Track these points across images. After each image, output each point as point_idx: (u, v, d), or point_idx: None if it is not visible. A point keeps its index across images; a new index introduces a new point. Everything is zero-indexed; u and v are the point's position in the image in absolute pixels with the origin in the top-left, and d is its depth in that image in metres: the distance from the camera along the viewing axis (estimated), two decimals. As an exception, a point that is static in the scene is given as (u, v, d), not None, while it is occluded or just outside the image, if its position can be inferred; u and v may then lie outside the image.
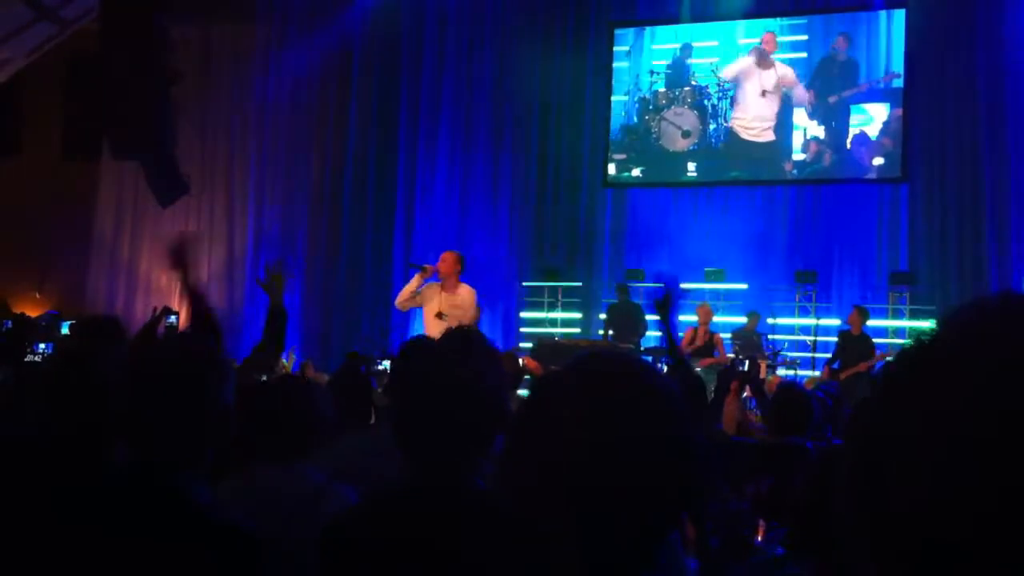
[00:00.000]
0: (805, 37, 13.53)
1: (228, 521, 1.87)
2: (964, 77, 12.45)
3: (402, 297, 8.08)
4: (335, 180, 15.02)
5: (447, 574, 1.75)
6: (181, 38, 13.31)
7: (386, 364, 5.03)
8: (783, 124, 13.41)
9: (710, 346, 11.35)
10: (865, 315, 11.03)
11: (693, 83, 13.96)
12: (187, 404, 1.87)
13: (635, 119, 14.14)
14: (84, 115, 14.28)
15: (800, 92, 13.40)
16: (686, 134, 13.85)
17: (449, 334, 2.90)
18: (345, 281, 14.63)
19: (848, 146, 13.10)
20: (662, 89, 14.10)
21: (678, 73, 14.11)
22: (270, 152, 15.23)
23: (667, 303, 4.10)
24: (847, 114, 13.17)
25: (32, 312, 14.33)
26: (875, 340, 11.34)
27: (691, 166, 13.84)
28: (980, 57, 12.38)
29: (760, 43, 13.56)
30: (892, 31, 13.05)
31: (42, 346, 6.62)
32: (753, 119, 13.54)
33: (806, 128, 13.32)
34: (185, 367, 1.90)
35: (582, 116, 14.23)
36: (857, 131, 13.09)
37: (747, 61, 13.63)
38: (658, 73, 14.14)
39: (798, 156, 13.33)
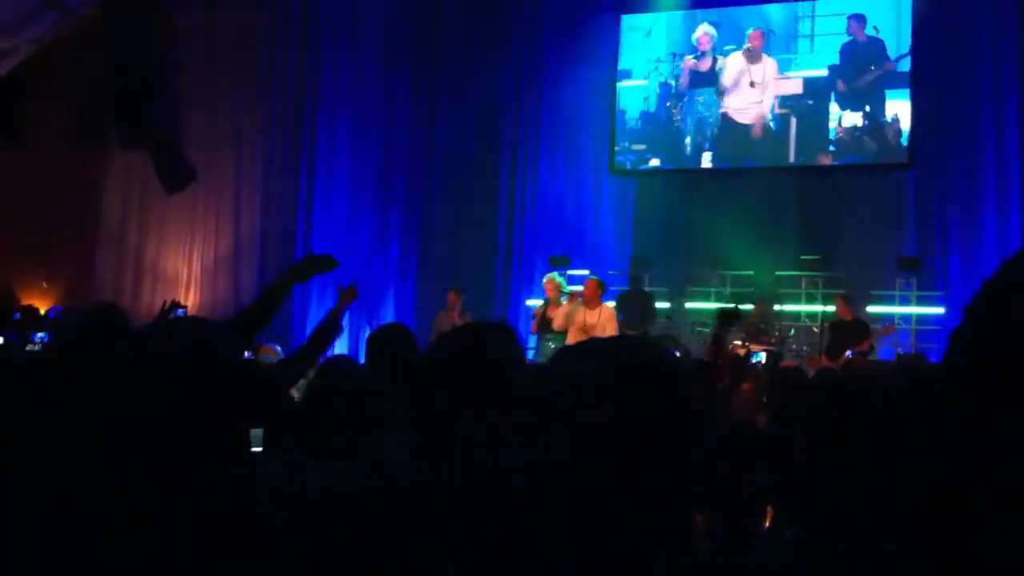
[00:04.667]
0: (844, 15, 13.21)
1: (243, 510, 1.89)
2: (971, 61, 12.40)
3: (558, 322, 9.99)
4: (342, 167, 15.02)
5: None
6: (186, 24, 13.33)
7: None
8: (816, 113, 13.13)
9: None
10: (848, 301, 11.11)
11: (719, 66, 13.65)
12: (197, 392, 1.87)
13: (655, 106, 13.91)
14: (91, 104, 14.29)
15: (784, 84, 13.25)
16: (709, 122, 13.60)
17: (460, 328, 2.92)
18: (355, 268, 14.64)
19: (887, 131, 12.85)
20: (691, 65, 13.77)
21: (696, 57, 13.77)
22: (276, 138, 15.22)
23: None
24: (882, 98, 12.89)
25: (40, 303, 14.38)
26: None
27: (707, 157, 13.60)
28: (987, 41, 12.33)
29: (747, 40, 13.45)
30: (902, 5, 12.92)
31: (40, 335, 6.62)
32: (746, 105, 13.41)
33: (841, 116, 13.06)
34: (195, 356, 1.91)
35: (590, 103, 14.17)
36: (892, 115, 12.87)
37: (737, 57, 13.52)
38: (681, 55, 13.84)
39: (833, 146, 13.10)
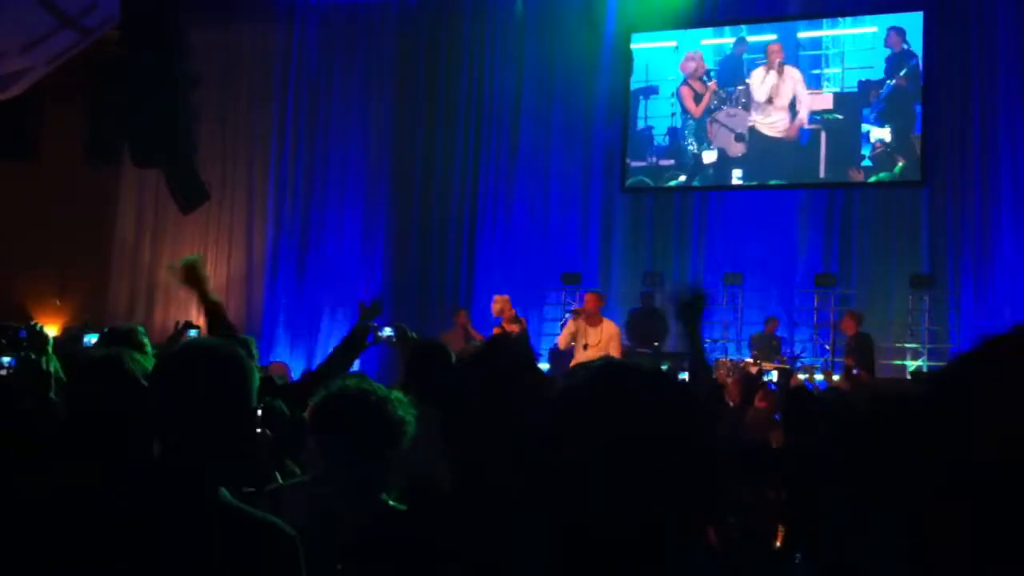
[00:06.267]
0: (874, 29, 13.10)
1: (264, 517, 1.92)
2: (984, 79, 12.39)
3: (564, 340, 10.06)
4: (355, 188, 15.08)
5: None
6: (202, 41, 13.43)
7: (389, 331, 5.07)
8: (847, 129, 13.05)
9: (522, 340, 10.05)
10: (858, 318, 11.13)
11: (748, 80, 13.56)
12: (210, 405, 1.90)
13: (681, 122, 13.83)
14: (106, 122, 14.38)
15: (807, 97, 13.24)
16: (740, 137, 13.51)
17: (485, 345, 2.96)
18: (362, 286, 14.67)
19: (916, 147, 12.75)
20: (714, 88, 13.75)
21: (731, 70, 13.68)
22: (290, 157, 15.30)
23: (694, 309, 3.94)
24: (914, 114, 12.80)
25: (53, 321, 14.43)
26: (895, 344, 11.38)
27: (736, 173, 13.51)
28: (1001, 58, 12.33)
29: (765, 54, 13.46)
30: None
31: (6, 359, 6.44)
32: (774, 120, 13.36)
33: (869, 131, 12.96)
34: (210, 369, 1.94)
35: (599, 120, 14.21)
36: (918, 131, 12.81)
37: (761, 72, 13.52)
38: (710, 70, 13.78)
39: (866, 163, 12.97)
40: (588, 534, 1.14)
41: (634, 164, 14.07)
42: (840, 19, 13.28)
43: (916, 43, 12.83)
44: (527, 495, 1.85)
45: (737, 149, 13.54)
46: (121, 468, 2.02)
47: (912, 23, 12.86)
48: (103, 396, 2.51)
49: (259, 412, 3.35)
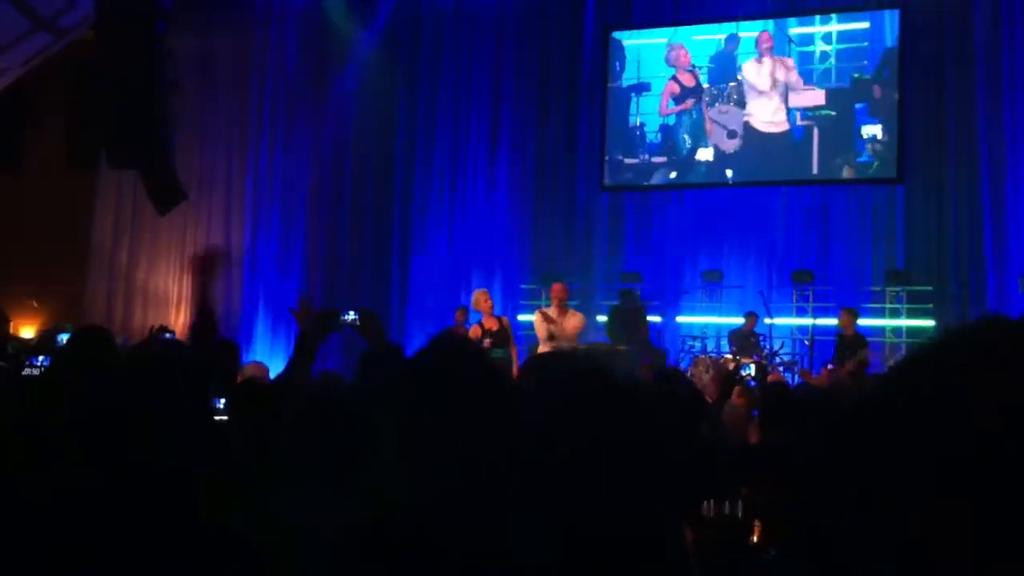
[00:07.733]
0: (866, 25, 13.05)
1: (223, 527, 1.90)
2: (961, 76, 12.47)
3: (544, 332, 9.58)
4: (334, 186, 15.07)
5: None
6: (180, 47, 13.39)
7: (352, 315, 4.94)
8: (840, 125, 13.01)
9: (504, 334, 9.96)
10: (855, 315, 11.08)
11: (740, 77, 13.51)
12: (168, 410, 1.90)
13: (673, 119, 13.83)
14: (85, 124, 14.28)
15: (799, 86, 13.20)
16: (732, 134, 13.46)
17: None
18: (346, 285, 14.65)
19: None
20: (705, 85, 13.69)
21: (723, 67, 13.62)
22: (268, 159, 15.26)
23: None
24: (895, 110, 12.77)
25: (30, 323, 14.34)
26: (873, 339, 11.41)
27: (729, 173, 13.45)
28: (978, 55, 12.41)
29: (757, 42, 13.44)
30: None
31: (40, 358, 6.54)
32: (766, 115, 13.33)
33: (861, 127, 12.93)
34: (166, 376, 1.94)
35: (580, 118, 14.23)
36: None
37: (751, 61, 13.51)
38: (700, 68, 13.74)
39: (864, 159, 12.93)
40: (586, 533, 1.14)
41: (627, 161, 14.03)
42: (831, 15, 13.25)
43: (894, 40, 12.89)
44: (523, 493, 1.86)
45: (729, 146, 13.51)
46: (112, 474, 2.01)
47: (892, 20, 12.92)
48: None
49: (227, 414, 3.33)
